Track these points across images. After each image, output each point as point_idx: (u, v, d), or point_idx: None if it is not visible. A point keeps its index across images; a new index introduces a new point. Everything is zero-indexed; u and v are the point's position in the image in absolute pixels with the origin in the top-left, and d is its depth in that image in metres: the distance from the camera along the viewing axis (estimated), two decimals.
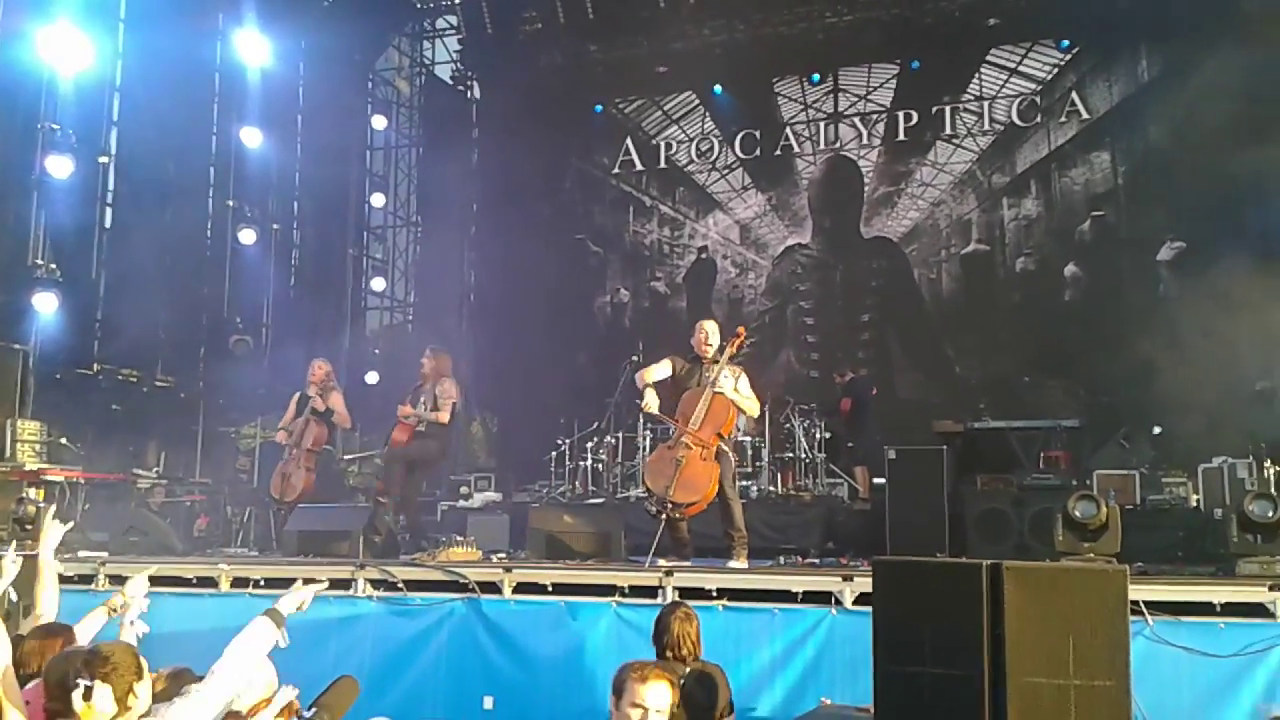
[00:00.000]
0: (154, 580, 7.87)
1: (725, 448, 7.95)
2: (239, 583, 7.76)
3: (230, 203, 14.11)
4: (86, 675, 3.58)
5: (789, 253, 15.87)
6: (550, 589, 6.99)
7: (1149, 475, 10.49)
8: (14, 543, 6.39)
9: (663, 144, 16.63)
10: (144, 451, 12.42)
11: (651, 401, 7.92)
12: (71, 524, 6.01)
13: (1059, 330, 13.81)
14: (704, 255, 16.35)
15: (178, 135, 13.36)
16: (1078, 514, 6.41)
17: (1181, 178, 13.07)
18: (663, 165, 16.62)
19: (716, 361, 8.01)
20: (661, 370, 8.13)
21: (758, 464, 11.66)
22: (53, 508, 6.20)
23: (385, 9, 17.02)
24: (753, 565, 7.74)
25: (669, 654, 5.33)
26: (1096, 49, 14.53)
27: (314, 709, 3.71)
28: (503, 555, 8.69)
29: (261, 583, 7.61)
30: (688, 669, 5.26)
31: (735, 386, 7.95)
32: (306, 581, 4.22)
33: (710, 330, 8.11)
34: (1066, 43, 14.60)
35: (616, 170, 16.85)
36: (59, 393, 11.33)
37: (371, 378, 15.72)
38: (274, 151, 14.37)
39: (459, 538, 8.76)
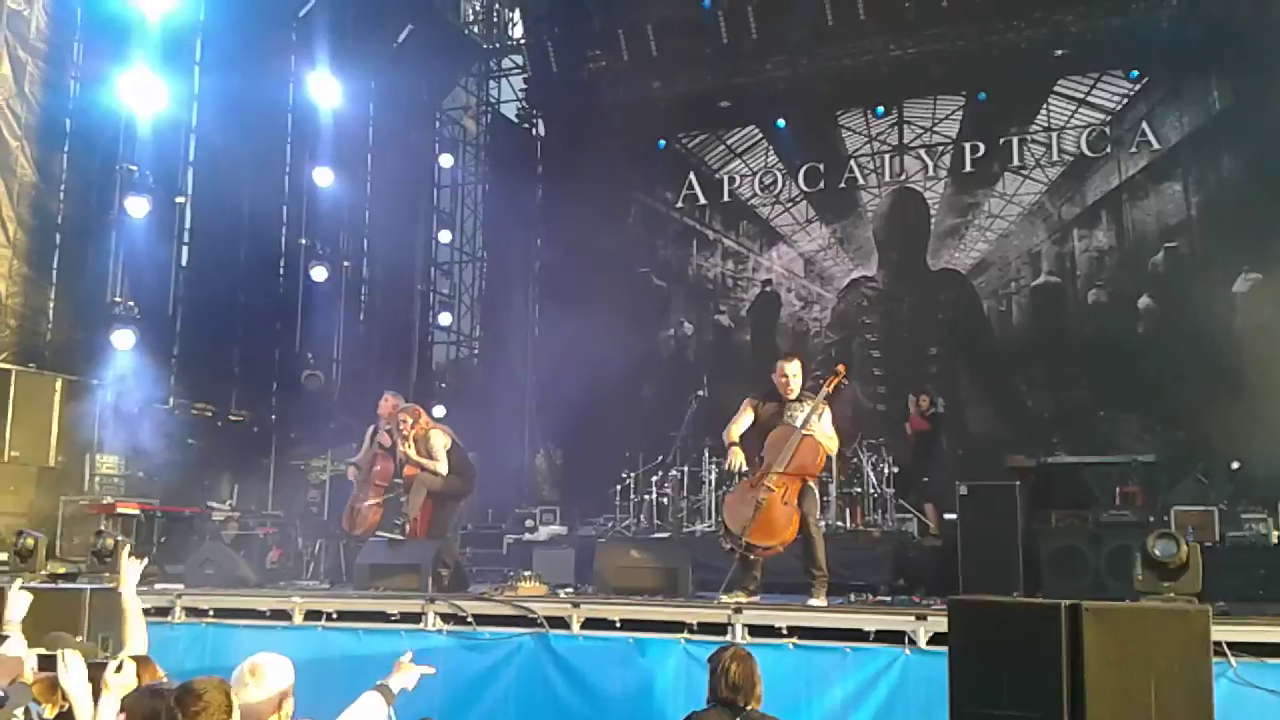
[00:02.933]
0: (229, 612, 8.05)
1: (810, 485, 7.76)
2: (312, 615, 7.84)
3: (302, 240, 14.44)
4: (179, 712, 3.60)
5: (854, 285, 15.79)
6: (619, 625, 6.97)
7: (1228, 511, 10.20)
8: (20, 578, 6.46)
9: (726, 178, 16.67)
10: (218, 485, 12.65)
11: (737, 460, 7.73)
12: (146, 559, 6.11)
13: (1133, 363, 13.56)
14: (768, 288, 16.32)
15: (251, 175, 13.71)
16: (1157, 552, 6.24)
17: (1256, 208, 12.86)
18: (726, 199, 16.66)
19: (800, 400, 7.84)
20: (744, 422, 7.90)
21: (825, 499, 11.50)
22: (128, 544, 6.31)
23: (453, 50, 17.35)
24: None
25: (724, 699, 5.06)
26: (1166, 79, 14.33)
27: None
28: (570, 590, 8.68)
29: (335, 615, 7.69)
30: (737, 719, 5.00)
31: (819, 424, 7.73)
32: (415, 661, 4.26)
33: (792, 373, 7.83)
34: (1135, 73, 14.42)
35: (680, 204, 16.91)
36: (135, 427, 11.59)
37: (438, 411, 15.83)
38: (344, 190, 14.67)
39: (525, 573, 8.78)
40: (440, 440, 9.70)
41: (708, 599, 7.52)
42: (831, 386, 7.91)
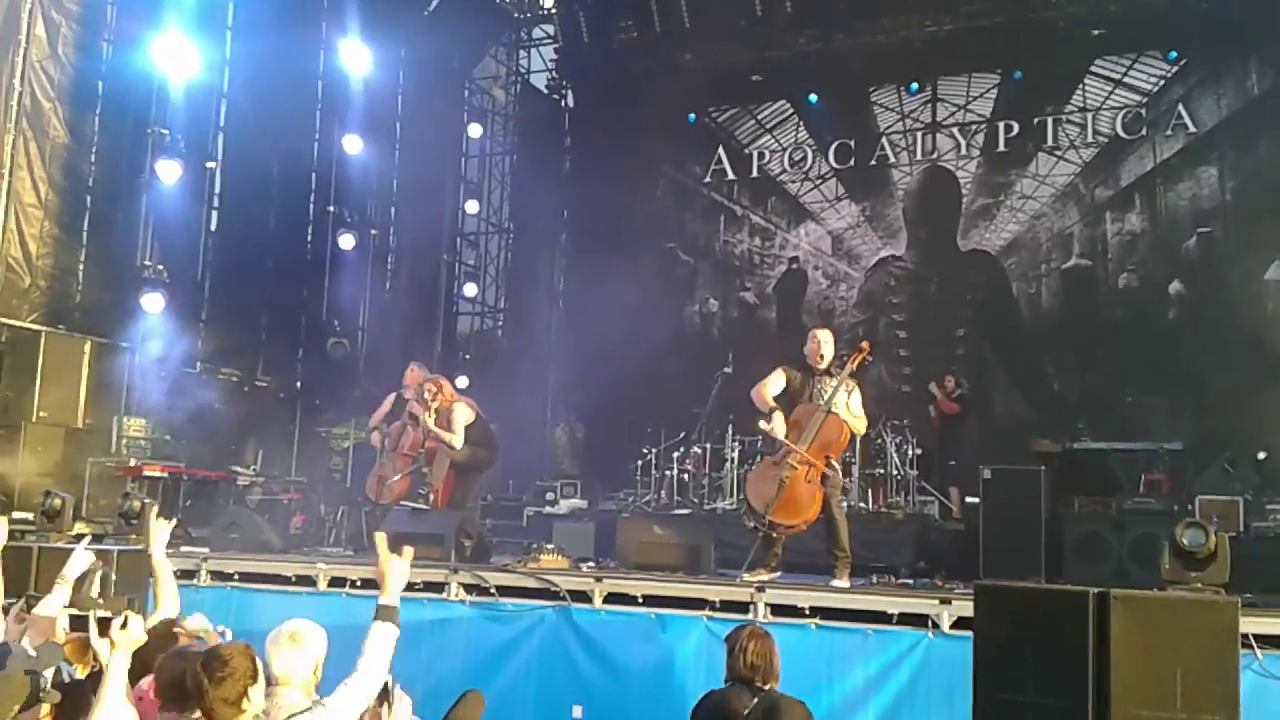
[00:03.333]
0: (254, 577, 8.12)
1: (834, 465, 7.72)
2: (336, 582, 7.90)
3: (330, 208, 14.44)
4: (205, 677, 3.63)
5: (882, 264, 15.69)
6: (641, 600, 6.98)
7: (1253, 502, 10.14)
8: (87, 537, 6.50)
9: (755, 153, 16.56)
10: (243, 450, 12.72)
11: (779, 427, 7.61)
12: (175, 520, 6.15)
13: (1162, 349, 13.43)
14: (795, 266, 16.24)
15: (281, 141, 13.71)
16: (1185, 542, 6.18)
17: None
18: (755, 175, 16.55)
19: (830, 374, 7.78)
20: (776, 384, 7.80)
21: (848, 480, 11.51)
22: (155, 506, 6.35)
23: (483, 18, 17.25)
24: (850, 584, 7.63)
25: (741, 678, 5.02)
26: (1205, 61, 14.10)
27: None
28: (591, 564, 8.71)
29: (359, 583, 7.73)
30: (755, 699, 4.93)
31: (847, 403, 7.71)
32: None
33: (824, 340, 7.81)
34: (1174, 54, 14.19)
35: (708, 179, 16.82)
36: (163, 390, 11.66)
37: (462, 381, 15.87)
38: (373, 158, 14.65)
39: (548, 545, 8.81)
40: (462, 414, 9.69)
41: (730, 576, 7.54)
42: (856, 363, 7.88)
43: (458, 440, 9.60)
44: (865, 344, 8.15)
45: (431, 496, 9.63)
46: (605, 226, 16.56)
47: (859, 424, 7.89)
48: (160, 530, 5.62)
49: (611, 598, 7.08)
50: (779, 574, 7.63)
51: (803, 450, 7.51)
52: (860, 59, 15.64)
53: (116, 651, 3.63)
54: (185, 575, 8.11)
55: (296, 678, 3.97)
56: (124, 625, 3.64)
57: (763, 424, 7.76)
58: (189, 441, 11.74)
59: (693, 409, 12.58)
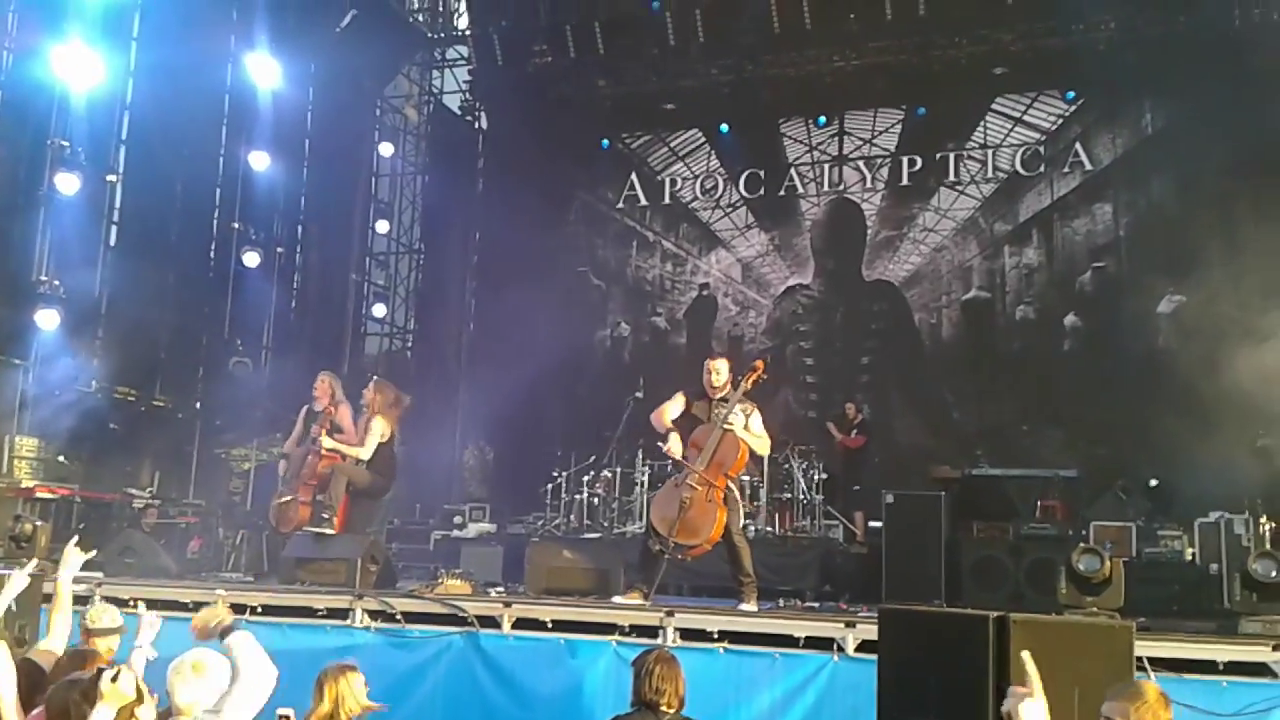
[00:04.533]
0: (150, 603, 7.86)
1: (733, 489, 7.79)
2: (235, 608, 7.65)
3: (235, 225, 14.13)
4: (87, 705, 3.54)
5: (790, 293, 15.94)
6: (550, 625, 6.94)
7: (1145, 528, 10.47)
8: (34, 561, 6.35)
9: (668, 180, 16.73)
10: (138, 471, 12.37)
11: (675, 447, 7.69)
12: (94, 552, 6.00)
13: (1058, 379, 13.89)
14: (705, 292, 16.41)
15: (186, 155, 13.42)
16: (1081, 567, 6.40)
17: (1183, 231, 13.20)
18: (667, 201, 16.72)
19: (726, 400, 7.85)
20: (675, 408, 7.88)
21: (756, 504, 11.62)
22: (75, 538, 6.15)
23: (396, 37, 17.13)
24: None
25: (648, 702, 5.02)
26: (1101, 101, 14.67)
27: None
28: (500, 589, 8.63)
29: (259, 609, 7.54)
30: None
31: (746, 424, 7.74)
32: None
33: (715, 369, 7.87)
34: (1072, 94, 14.74)
35: (621, 205, 16.93)
36: (56, 409, 11.29)
37: None
38: (281, 175, 14.42)
39: (456, 570, 8.71)
40: (379, 428, 9.49)
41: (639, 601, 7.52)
42: (750, 382, 7.87)
43: (364, 453, 9.32)
44: (759, 363, 8.16)
45: (336, 520, 9.38)
46: (517, 249, 16.52)
47: (761, 444, 7.91)
48: (74, 558, 5.48)
49: (520, 623, 7.01)
50: (650, 600, 7.58)
51: (700, 470, 7.55)
52: (770, 91, 15.94)
53: (103, 704, 3.50)
54: (79, 600, 7.79)
55: (199, 709, 3.89)
56: (114, 679, 3.51)
57: (661, 445, 7.86)
58: (83, 462, 11.39)
59: (603, 433, 12.56)
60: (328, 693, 4.53)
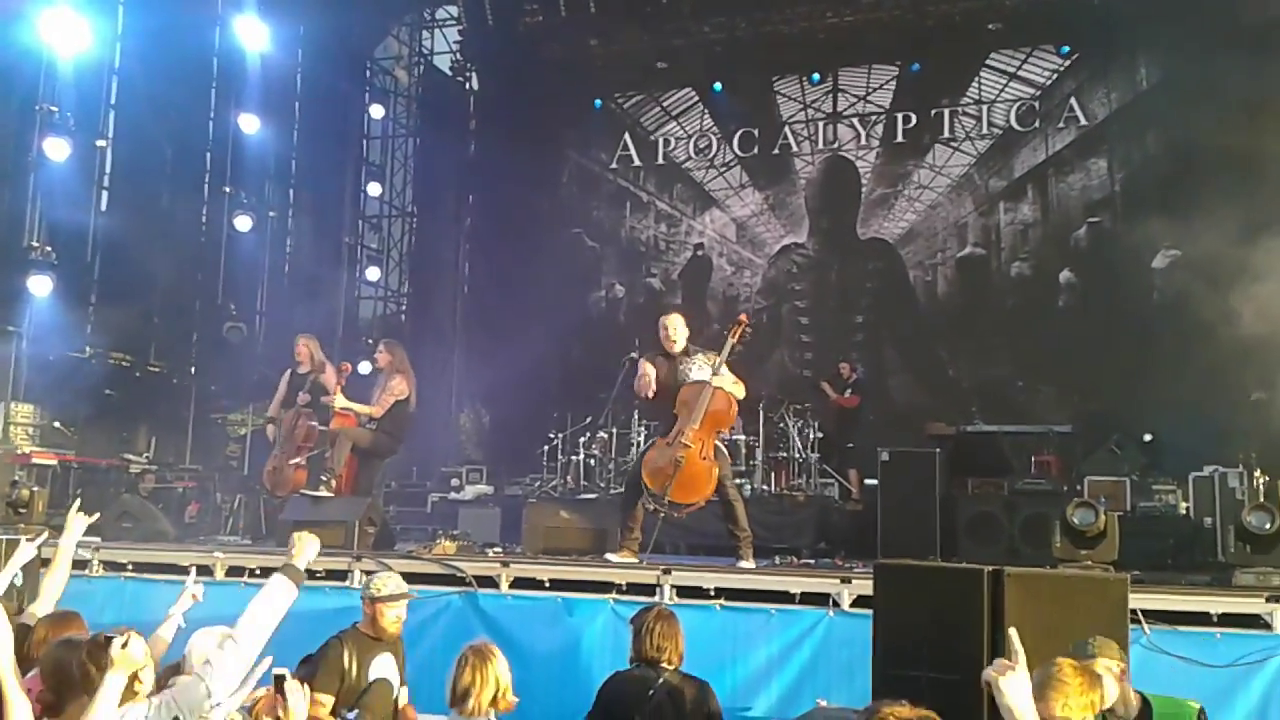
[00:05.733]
0: (148, 567, 7.91)
1: (720, 444, 7.82)
2: (234, 571, 7.73)
3: (226, 189, 14.06)
4: (94, 668, 3.55)
5: (785, 252, 15.89)
6: (547, 584, 6.98)
7: (1139, 482, 10.53)
8: (45, 533, 6.37)
9: (661, 140, 16.62)
10: (135, 437, 12.41)
11: (648, 374, 7.75)
12: (97, 515, 6.01)
13: (1052, 335, 13.86)
14: (700, 252, 16.36)
15: (175, 120, 13.33)
16: (1076, 521, 6.43)
17: (1177, 185, 13.12)
18: (660, 161, 16.62)
19: (688, 354, 7.81)
20: (652, 372, 7.84)
21: (752, 463, 11.66)
22: (77, 502, 6.17)
23: None
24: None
25: (645, 659, 5.08)
26: (1096, 56, 14.57)
27: (356, 710, 3.72)
28: (498, 549, 8.67)
29: (257, 571, 7.57)
30: (660, 679, 5.00)
31: (717, 373, 7.71)
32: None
33: (671, 325, 7.83)
34: (1066, 48, 14.64)
35: (614, 165, 16.84)
36: (51, 376, 11.29)
37: (364, 367, 15.62)
38: (271, 138, 14.29)
39: (454, 531, 8.76)
40: (399, 385, 9.40)
41: (638, 559, 7.57)
42: (736, 337, 7.92)
43: (379, 410, 9.30)
44: (743, 316, 8.28)
45: (334, 483, 9.39)
46: (511, 211, 16.47)
47: (738, 388, 7.84)
48: (77, 523, 5.51)
49: (518, 583, 7.06)
50: (643, 556, 7.65)
51: (694, 428, 7.57)
52: (763, 49, 15.81)
53: (113, 672, 3.49)
54: (77, 565, 7.82)
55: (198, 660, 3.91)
56: (125, 645, 3.49)
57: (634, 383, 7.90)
58: (79, 428, 11.38)
59: (599, 394, 12.56)
60: (490, 672, 4.45)
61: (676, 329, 7.84)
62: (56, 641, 4.04)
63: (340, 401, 9.38)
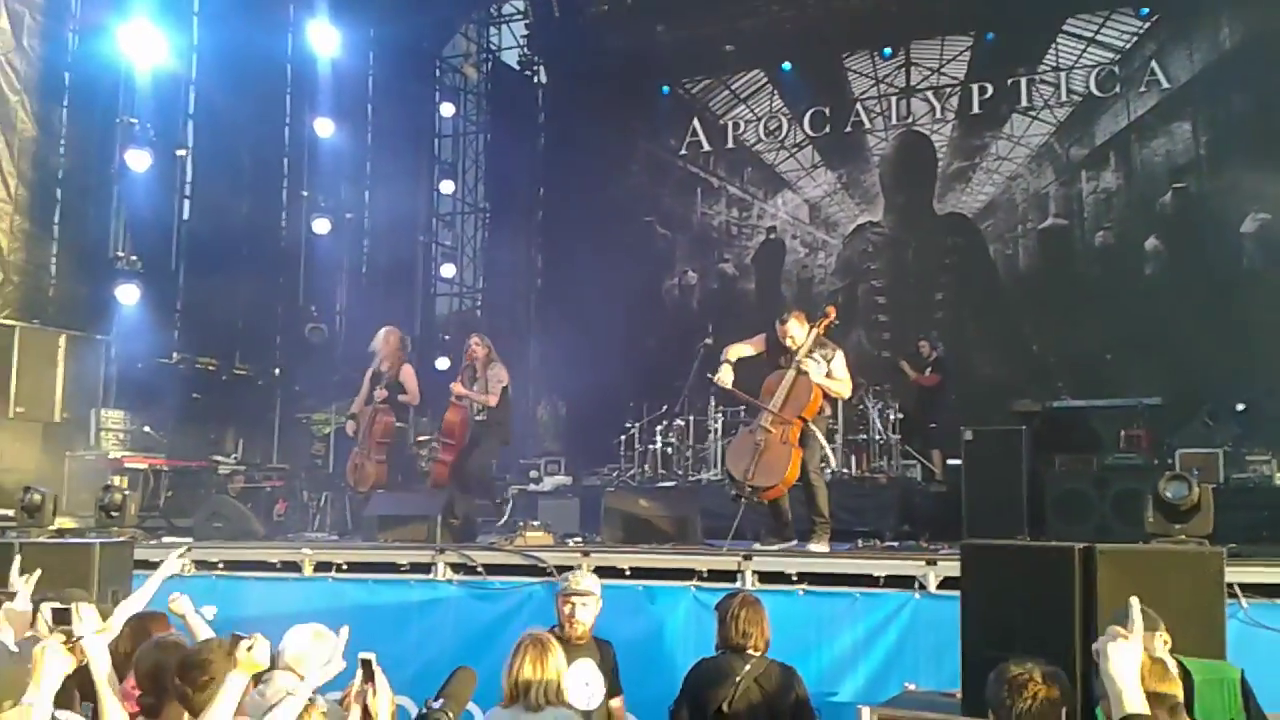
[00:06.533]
0: (238, 565, 8.08)
1: (812, 430, 7.76)
2: (322, 567, 7.86)
3: (304, 193, 14.35)
4: (187, 687, 3.61)
5: (860, 231, 15.68)
6: (628, 573, 6.98)
7: (1233, 453, 10.22)
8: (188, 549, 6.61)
9: (730, 124, 16.50)
10: (223, 438, 12.69)
11: (725, 376, 7.76)
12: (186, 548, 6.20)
13: (1139, 306, 13.46)
14: (773, 235, 16.22)
15: (252, 127, 13.61)
16: (1169, 495, 6.22)
17: (1265, 148, 12.68)
18: (730, 145, 16.51)
19: (810, 352, 7.80)
20: (747, 348, 7.96)
21: (832, 445, 11.52)
22: (186, 554, 6.37)
23: None
24: (832, 549, 7.65)
25: (731, 645, 5.06)
26: (1176, 16, 14.09)
27: (441, 699, 3.73)
28: (578, 539, 8.70)
29: (345, 567, 7.71)
30: (747, 665, 4.98)
31: (829, 371, 7.75)
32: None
33: (791, 334, 7.81)
34: (1146, 10, 14.19)
35: (684, 151, 16.77)
36: (140, 382, 11.59)
37: (442, 364, 15.79)
38: (345, 141, 14.53)
39: (533, 522, 8.81)
40: (502, 374, 9.68)
41: (717, 546, 7.54)
42: (822, 328, 7.90)
43: (494, 400, 9.58)
44: (830, 309, 8.17)
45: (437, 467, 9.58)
46: (581, 202, 16.50)
47: (841, 388, 7.92)
48: (172, 564, 5.70)
49: (599, 571, 7.05)
50: (794, 542, 7.63)
51: (775, 410, 7.58)
52: (832, 25, 15.61)
53: (238, 671, 3.53)
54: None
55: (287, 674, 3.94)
56: (250, 648, 3.54)
57: (711, 375, 7.93)
58: (168, 432, 11.66)
59: (674, 382, 12.54)
60: (549, 661, 4.49)
61: (795, 336, 7.81)
62: (148, 644, 4.10)
63: (458, 390, 9.58)
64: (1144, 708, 2.96)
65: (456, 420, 9.86)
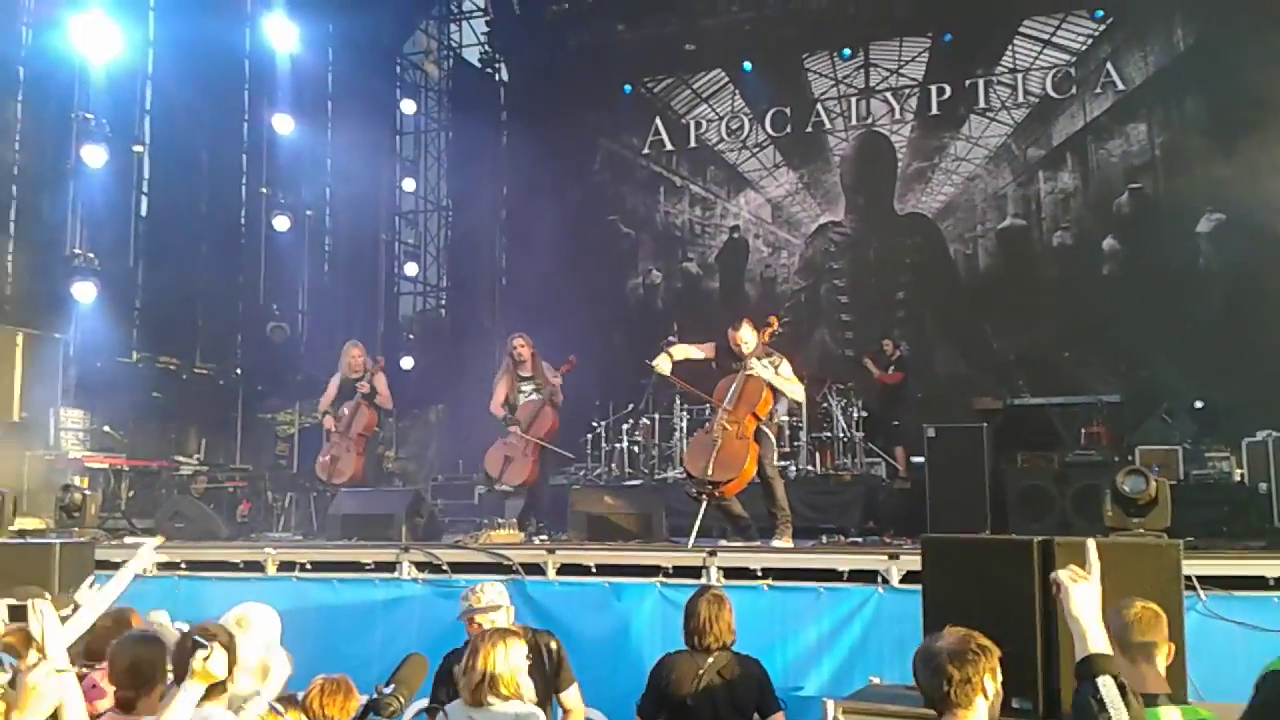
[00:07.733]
0: (201, 565, 8.00)
1: (765, 429, 7.98)
2: (285, 566, 7.80)
3: (263, 190, 14.19)
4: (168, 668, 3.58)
5: (822, 231, 15.78)
6: (594, 570, 6.99)
7: (1191, 450, 10.36)
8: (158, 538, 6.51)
9: (692, 123, 16.55)
10: (185, 439, 12.57)
11: (662, 364, 8.07)
12: (162, 539, 6.10)
13: (1098, 304, 13.66)
14: (736, 235, 16.28)
15: (210, 123, 13.47)
16: (1126, 489, 6.31)
17: (1219, 148, 12.90)
18: (693, 145, 16.56)
19: (758, 357, 8.07)
20: (699, 351, 8.29)
21: (795, 444, 11.60)
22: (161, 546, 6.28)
23: None
24: (796, 545, 7.72)
25: (696, 641, 5.17)
26: (1130, 19, 14.30)
27: (392, 685, 3.72)
28: (544, 537, 8.70)
29: (308, 566, 7.64)
30: (711, 659, 5.12)
31: (776, 373, 8.01)
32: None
33: (743, 339, 8.05)
34: (1100, 12, 14.38)
35: (646, 150, 16.79)
36: (100, 381, 11.45)
37: (406, 363, 15.76)
38: (305, 138, 14.39)
39: (499, 520, 8.80)
40: (550, 369, 9.96)
41: (681, 543, 7.58)
42: (766, 337, 8.18)
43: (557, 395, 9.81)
44: (773, 319, 8.46)
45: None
46: (545, 201, 16.43)
47: (793, 389, 8.25)
48: (146, 550, 5.59)
49: (565, 569, 7.07)
50: (757, 541, 7.75)
51: (729, 409, 7.83)
52: (792, 26, 15.70)
53: (193, 681, 3.47)
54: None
55: (248, 663, 3.93)
56: (208, 658, 3.49)
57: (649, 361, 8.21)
58: (129, 432, 11.54)
59: (639, 381, 12.56)
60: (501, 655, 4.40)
61: (747, 340, 8.05)
62: (125, 638, 4.06)
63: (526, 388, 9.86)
64: (1106, 647, 3.00)
65: (548, 421, 9.84)
